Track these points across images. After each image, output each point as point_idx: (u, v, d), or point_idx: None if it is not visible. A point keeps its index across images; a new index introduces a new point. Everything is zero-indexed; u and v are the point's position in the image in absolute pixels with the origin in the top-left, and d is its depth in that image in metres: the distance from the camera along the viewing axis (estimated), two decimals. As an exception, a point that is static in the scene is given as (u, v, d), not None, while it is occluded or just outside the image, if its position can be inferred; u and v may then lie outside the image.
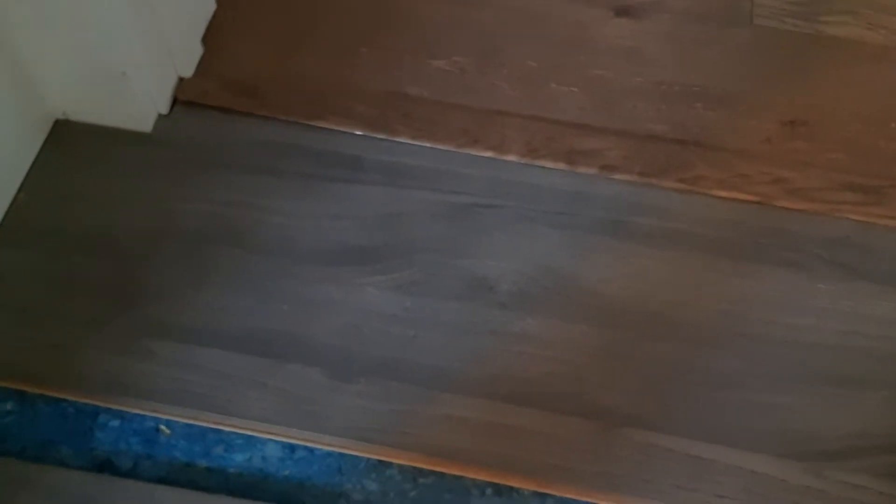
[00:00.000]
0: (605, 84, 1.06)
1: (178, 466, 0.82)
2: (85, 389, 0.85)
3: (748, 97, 1.05)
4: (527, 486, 0.82)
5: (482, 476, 0.82)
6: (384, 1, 1.12)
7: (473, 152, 1.00)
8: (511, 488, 0.82)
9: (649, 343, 0.90)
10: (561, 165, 0.99)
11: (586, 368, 0.88)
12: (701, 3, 1.13)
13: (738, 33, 1.11)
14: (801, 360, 0.89)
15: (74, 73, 0.93)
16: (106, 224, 0.94)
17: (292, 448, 0.83)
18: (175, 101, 1.01)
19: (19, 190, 0.95)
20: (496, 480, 0.82)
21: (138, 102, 0.98)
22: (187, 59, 1.03)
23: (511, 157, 1.00)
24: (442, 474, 0.82)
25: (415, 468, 0.83)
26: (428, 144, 1.00)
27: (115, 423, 0.84)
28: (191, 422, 0.84)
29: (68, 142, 0.99)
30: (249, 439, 0.83)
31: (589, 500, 0.82)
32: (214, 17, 1.08)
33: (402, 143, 1.00)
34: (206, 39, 1.06)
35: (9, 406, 0.84)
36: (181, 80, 1.02)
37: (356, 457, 0.83)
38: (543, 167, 0.99)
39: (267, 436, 0.83)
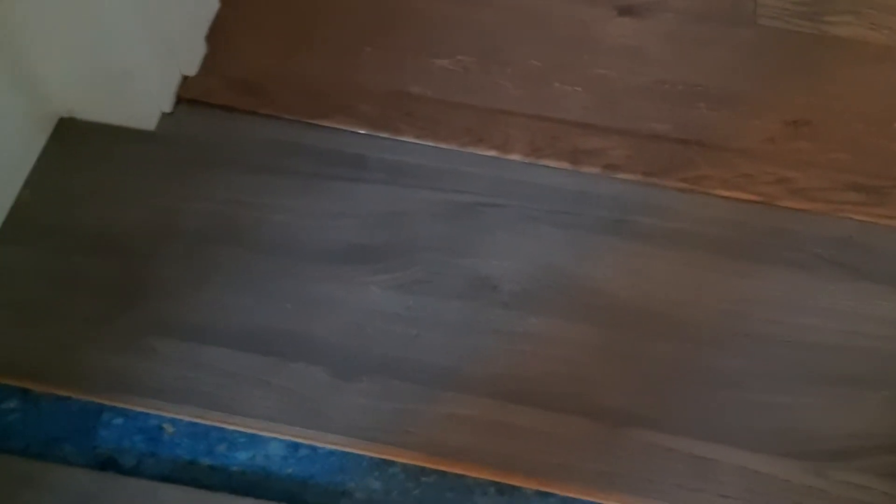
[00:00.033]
0: (608, 83, 1.06)
1: (182, 464, 0.82)
2: (88, 387, 0.85)
3: (751, 97, 1.05)
4: (529, 485, 0.82)
5: (485, 475, 0.83)
6: (387, 0, 1.12)
7: (477, 151, 1.00)
8: (513, 487, 0.82)
9: (652, 343, 0.90)
10: (564, 165, 0.99)
11: (589, 368, 0.88)
12: (704, 3, 1.13)
13: (742, 33, 1.11)
14: (803, 359, 0.89)
15: (79, 72, 0.94)
16: (109, 222, 0.94)
17: (295, 446, 0.83)
18: (178, 100, 1.01)
19: (23, 187, 0.95)
20: (499, 479, 0.82)
21: (142, 101, 0.98)
22: (191, 58, 1.03)
23: (514, 157, 1.00)
24: (445, 473, 0.83)
25: (417, 467, 0.83)
26: (431, 143, 1.00)
27: (119, 421, 0.84)
28: (194, 420, 0.84)
29: (72, 140, 0.99)
30: (253, 438, 0.83)
31: (591, 499, 0.82)
32: (218, 15, 1.08)
33: (405, 142, 1.00)
34: (210, 38, 1.06)
35: (12, 404, 0.84)
36: (185, 78, 1.03)
37: (359, 455, 0.83)
38: (547, 166, 0.99)
39: (270, 434, 0.83)
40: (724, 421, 0.86)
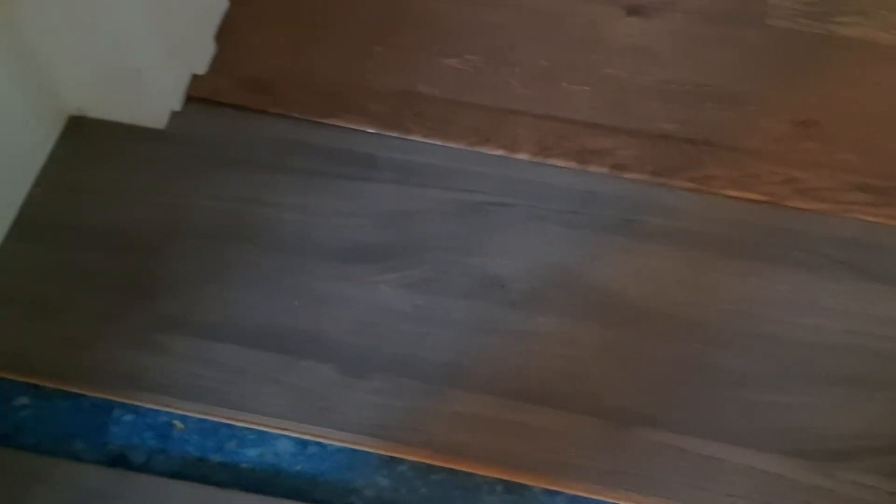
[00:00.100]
0: (616, 83, 1.06)
1: (192, 461, 0.83)
2: (99, 384, 0.85)
3: (760, 97, 1.05)
4: (537, 483, 0.83)
5: (493, 473, 0.83)
6: (397, 0, 1.12)
7: (485, 151, 1.00)
8: (522, 485, 0.83)
9: (659, 342, 0.90)
10: (572, 164, 1.00)
11: (597, 367, 0.88)
12: (713, 3, 1.13)
13: (750, 33, 1.11)
14: (811, 359, 0.89)
15: (90, 71, 0.94)
16: (120, 219, 0.94)
17: (304, 444, 0.84)
18: (188, 99, 1.02)
19: (34, 185, 0.95)
20: (507, 478, 0.83)
21: (152, 99, 0.98)
22: (201, 57, 1.03)
23: (523, 156, 1.00)
24: (453, 471, 0.83)
25: (426, 465, 0.83)
26: (440, 143, 1.01)
27: (129, 417, 0.84)
28: (204, 417, 0.84)
29: (83, 138, 0.99)
30: (262, 435, 0.84)
31: (599, 497, 0.82)
32: (227, 14, 1.08)
33: (414, 141, 1.01)
34: (220, 37, 1.06)
35: (24, 400, 0.85)
36: (195, 77, 1.03)
37: (368, 453, 0.83)
38: (555, 166, 1.00)
39: (279, 431, 0.84)
40: (731, 420, 0.86)
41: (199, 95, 1.02)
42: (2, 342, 0.87)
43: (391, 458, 0.83)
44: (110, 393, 0.85)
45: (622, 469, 0.83)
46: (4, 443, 0.82)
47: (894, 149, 1.02)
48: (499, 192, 0.98)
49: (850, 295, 0.93)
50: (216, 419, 0.84)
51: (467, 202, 0.97)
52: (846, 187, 0.99)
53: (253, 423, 0.84)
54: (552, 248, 0.94)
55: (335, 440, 0.84)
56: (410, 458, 0.83)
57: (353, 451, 0.83)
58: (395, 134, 1.01)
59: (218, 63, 1.05)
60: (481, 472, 0.83)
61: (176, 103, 1.01)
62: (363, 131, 1.01)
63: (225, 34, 1.07)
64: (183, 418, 0.84)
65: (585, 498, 0.82)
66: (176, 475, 0.82)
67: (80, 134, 0.99)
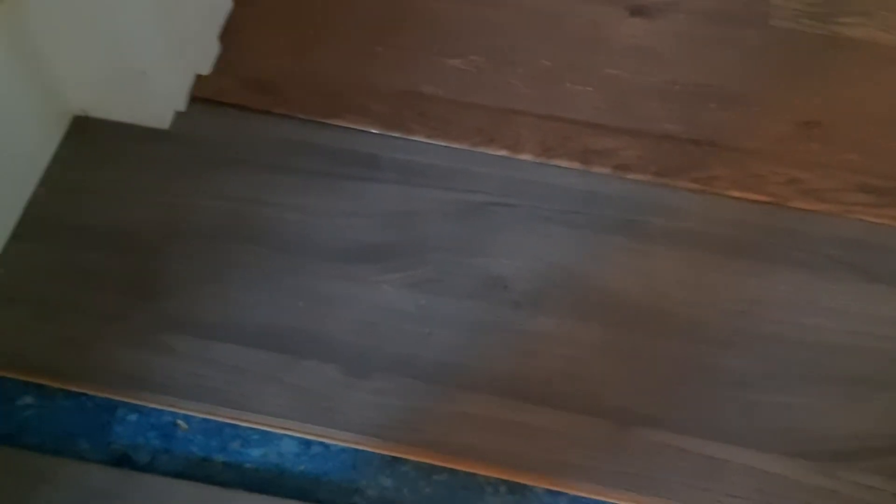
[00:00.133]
0: (619, 83, 1.06)
1: (195, 461, 0.83)
2: (103, 383, 0.85)
3: (763, 98, 1.06)
4: (540, 483, 0.83)
5: (495, 473, 0.83)
6: (400, 0, 1.12)
7: (488, 151, 1.00)
8: (524, 486, 0.83)
9: (662, 342, 0.90)
10: (575, 165, 1.00)
11: (599, 367, 0.88)
12: (717, 4, 1.13)
13: (754, 34, 1.11)
14: (813, 360, 0.89)
15: (94, 71, 0.94)
16: (124, 219, 0.94)
17: (308, 444, 0.84)
18: (192, 99, 1.02)
19: (38, 185, 0.96)
20: (509, 478, 0.83)
21: (156, 100, 0.98)
22: (205, 57, 1.03)
23: (525, 157, 1.00)
24: (455, 471, 0.83)
25: (429, 465, 0.83)
26: (443, 143, 1.01)
27: (133, 417, 0.85)
28: (208, 417, 0.84)
29: (87, 138, 0.99)
30: (266, 435, 0.84)
31: (601, 498, 0.82)
32: (232, 15, 1.09)
33: (417, 141, 1.01)
34: (224, 37, 1.06)
35: (28, 400, 0.85)
36: (199, 77, 1.03)
37: (371, 453, 0.84)
38: (558, 166, 1.00)
39: (283, 431, 0.84)
40: (734, 421, 0.86)
41: (202, 96, 1.02)
42: (6, 342, 0.87)
43: (394, 458, 0.84)
44: (113, 392, 0.85)
45: (623, 469, 0.83)
46: (8, 442, 0.82)
47: (897, 149, 1.02)
48: (501, 193, 0.98)
49: (851, 295, 0.93)
50: (220, 419, 0.84)
51: (470, 202, 0.97)
52: (849, 188, 0.99)
53: (256, 423, 0.84)
54: (555, 248, 0.95)
55: (338, 440, 0.84)
56: (413, 458, 0.83)
57: (356, 451, 0.84)
58: (397, 134, 1.01)
59: (222, 63, 1.05)
60: (484, 473, 0.83)
61: (180, 103, 1.01)
62: (366, 131, 1.01)
63: (229, 35, 1.07)
64: (186, 418, 0.85)
65: (587, 498, 0.82)
66: (180, 475, 0.82)
67: (84, 134, 1.00)
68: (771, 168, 1.00)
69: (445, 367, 0.87)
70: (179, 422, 0.84)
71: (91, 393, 0.85)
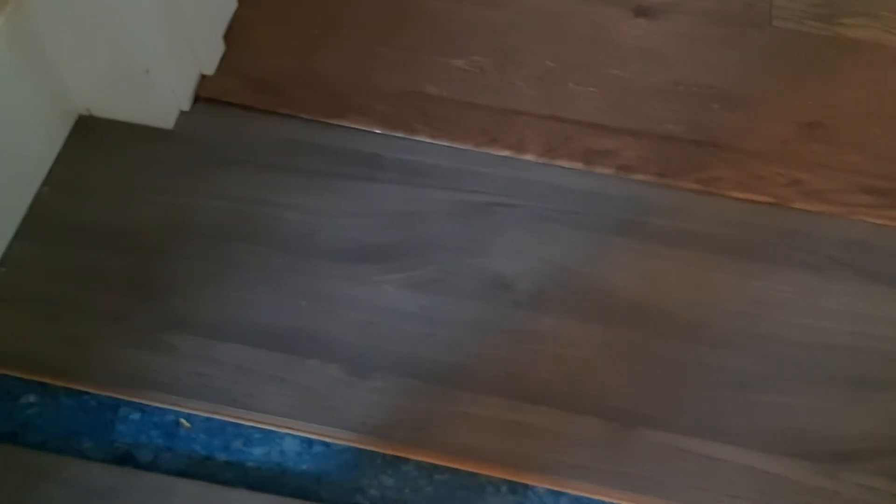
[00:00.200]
0: (622, 84, 1.06)
1: (198, 460, 0.83)
2: (106, 382, 0.86)
3: (766, 99, 1.06)
4: (541, 483, 0.83)
5: (497, 473, 0.83)
6: (404, 0, 1.12)
7: (491, 152, 1.01)
8: (525, 486, 0.83)
9: (664, 343, 0.90)
10: (578, 165, 1.00)
11: (601, 368, 0.88)
12: (720, 5, 1.13)
13: (757, 35, 1.11)
14: (815, 361, 0.89)
15: (98, 70, 0.95)
16: (127, 219, 0.95)
17: (310, 443, 0.84)
18: (197, 99, 1.02)
19: (42, 184, 0.96)
20: (511, 478, 0.83)
21: (161, 99, 0.99)
22: (209, 57, 1.04)
23: (528, 157, 1.00)
24: (457, 471, 0.83)
25: (430, 465, 0.83)
26: (446, 143, 1.01)
27: (136, 416, 0.85)
28: (210, 416, 0.85)
29: (91, 137, 1.00)
30: (268, 434, 0.84)
31: (603, 498, 0.82)
32: (236, 15, 1.09)
33: (420, 141, 1.01)
34: (228, 37, 1.07)
35: (31, 398, 0.85)
36: (203, 77, 1.03)
37: (373, 452, 0.84)
38: (561, 167, 1.00)
39: (285, 430, 0.84)
40: (735, 421, 0.86)
41: (207, 95, 1.03)
42: (10, 340, 0.87)
43: (396, 457, 0.84)
44: (116, 391, 0.85)
45: (626, 470, 0.84)
46: (12, 440, 0.83)
47: (900, 151, 1.02)
48: (504, 193, 0.98)
49: (853, 296, 0.93)
50: (222, 418, 0.85)
51: (472, 202, 0.97)
52: (852, 189, 0.99)
53: (259, 422, 0.84)
54: (557, 248, 0.95)
55: (340, 439, 0.84)
56: (415, 457, 0.84)
57: (359, 450, 0.84)
58: (401, 134, 1.01)
59: (226, 63, 1.05)
60: (485, 472, 0.83)
61: (184, 103, 1.01)
62: (369, 131, 1.01)
63: (234, 34, 1.07)
64: (189, 417, 0.85)
65: (587, 498, 0.82)
66: (182, 473, 0.82)
67: (89, 134, 1.00)
68: (773, 169, 1.00)
69: (447, 366, 0.88)
70: (182, 420, 0.85)
71: (94, 391, 0.85)
